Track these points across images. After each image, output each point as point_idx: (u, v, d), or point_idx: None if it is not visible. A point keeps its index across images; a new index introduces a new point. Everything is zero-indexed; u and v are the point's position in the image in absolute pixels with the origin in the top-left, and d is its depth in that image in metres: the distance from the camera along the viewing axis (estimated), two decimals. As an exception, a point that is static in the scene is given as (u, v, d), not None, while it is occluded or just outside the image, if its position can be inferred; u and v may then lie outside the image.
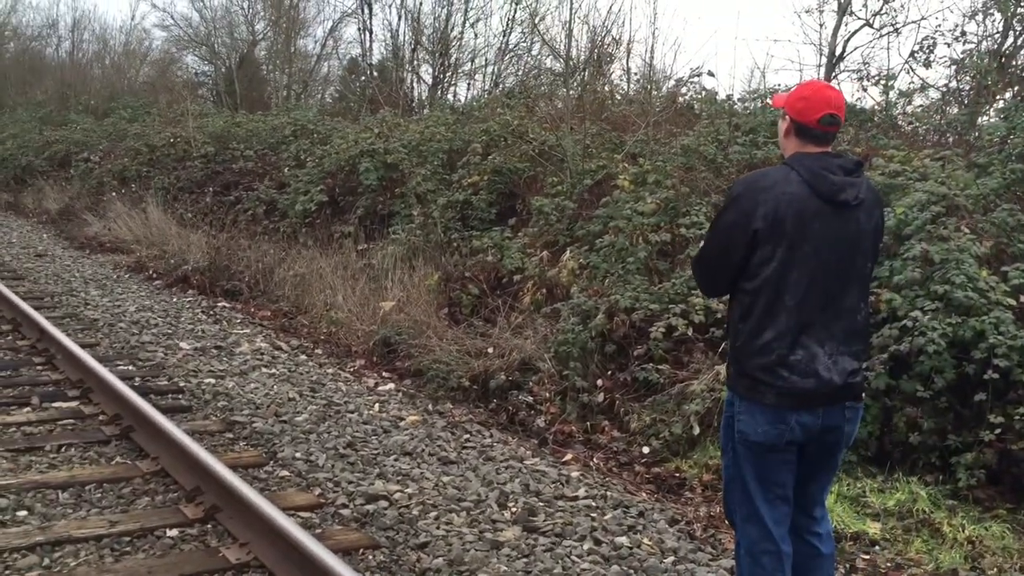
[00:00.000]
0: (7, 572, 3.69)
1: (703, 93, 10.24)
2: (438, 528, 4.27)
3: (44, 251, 12.45)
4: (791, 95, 3.08)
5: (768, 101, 9.32)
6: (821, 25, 11.51)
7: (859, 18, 11.43)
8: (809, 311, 2.95)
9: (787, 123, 3.05)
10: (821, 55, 11.42)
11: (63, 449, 5.07)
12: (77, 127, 20.80)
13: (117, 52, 32.69)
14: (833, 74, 11.10)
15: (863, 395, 3.13)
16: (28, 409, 5.70)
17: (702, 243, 3.07)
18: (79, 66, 31.43)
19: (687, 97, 10.51)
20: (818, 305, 2.96)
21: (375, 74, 20.39)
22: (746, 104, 9.84)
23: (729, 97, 9.98)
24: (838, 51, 11.28)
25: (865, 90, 10.88)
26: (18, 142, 21.52)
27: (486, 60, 18.79)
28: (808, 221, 2.91)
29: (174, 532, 4.10)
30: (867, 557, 4.25)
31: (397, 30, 19.57)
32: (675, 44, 24.69)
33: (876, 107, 9.61)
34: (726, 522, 4.39)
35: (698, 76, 10.02)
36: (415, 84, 19.28)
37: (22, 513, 4.22)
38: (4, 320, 7.94)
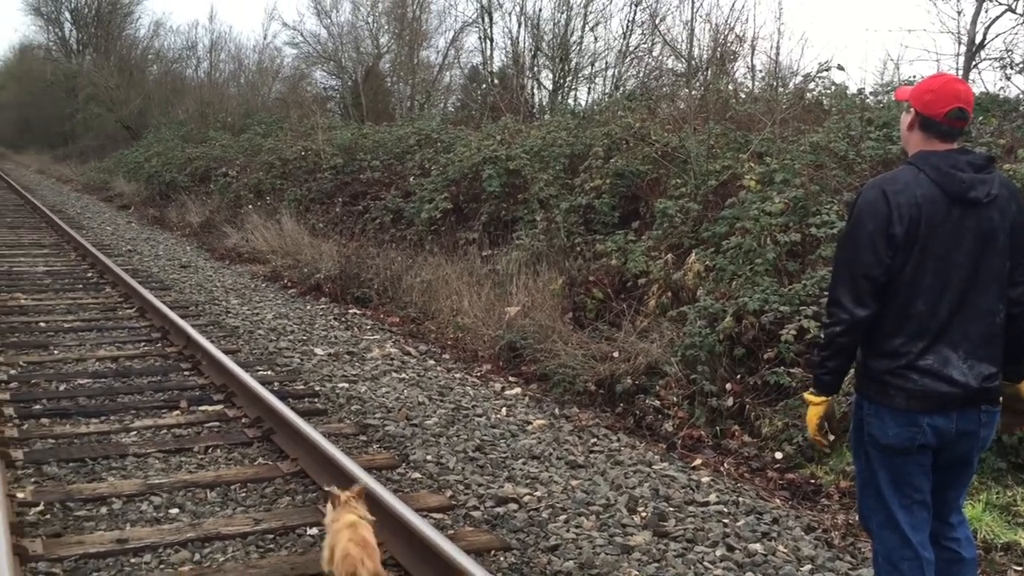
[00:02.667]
0: (161, 567, 3.91)
1: (832, 88, 9.93)
2: (568, 531, 4.29)
3: (188, 262, 13.11)
4: (918, 87, 2.97)
5: (903, 93, 8.95)
6: (959, 12, 11.00)
7: (1001, 3, 10.86)
8: (942, 315, 2.85)
9: (912, 116, 2.95)
10: (960, 44, 10.90)
11: (210, 450, 5.34)
12: (216, 143, 21.86)
13: (251, 71, 34.23)
14: (973, 63, 10.57)
15: (1000, 399, 2.98)
16: (177, 412, 6.03)
17: (842, 262, 2.92)
18: (216, 85, 33.06)
19: (815, 93, 10.21)
20: (952, 308, 2.85)
21: (496, 81, 20.63)
22: (879, 98, 9.49)
23: (860, 91, 9.67)
24: (978, 39, 10.74)
25: (1008, 79, 10.33)
26: (162, 159, 22.78)
27: (606, 63, 18.78)
28: (939, 222, 2.81)
29: (314, 531, 4.25)
30: (1020, 568, 4.04)
31: (517, 37, 19.80)
32: (802, 39, 24.01)
33: (1021, 96, 9.10)
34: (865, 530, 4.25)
35: (827, 71, 9.71)
36: (536, 90, 19.44)
37: (174, 511, 4.47)
38: (154, 328, 8.41)
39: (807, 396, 3.09)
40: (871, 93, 9.72)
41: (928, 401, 2.85)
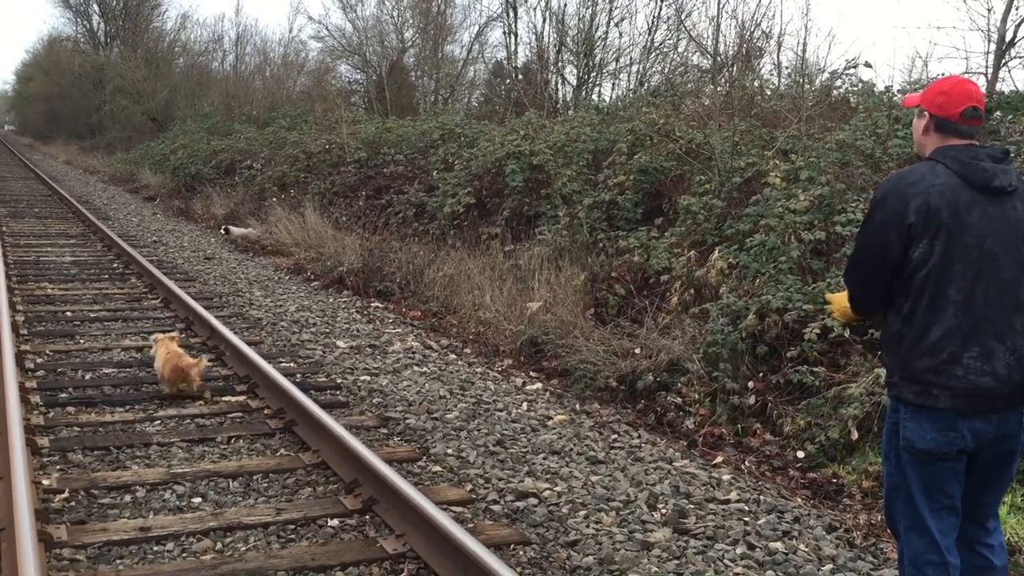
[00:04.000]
0: (184, 555, 3.94)
1: (860, 85, 9.84)
2: (588, 527, 4.28)
3: (212, 254, 13.20)
4: (928, 91, 3.01)
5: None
6: (989, 9, 10.79)
7: (1032, 0, 10.67)
8: (980, 304, 2.82)
9: (926, 120, 2.98)
10: (989, 41, 10.74)
11: (232, 440, 5.38)
12: (241, 136, 21.98)
13: (276, 64, 34.39)
14: (1003, 61, 10.44)
15: None
16: (200, 402, 6.07)
17: (852, 254, 3.04)
18: (242, 78, 33.24)
19: (842, 90, 10.13)
20: (992, 298, 2.82)
21: (520, 77, 20.61)
22: (907, 95, 9.39)
23: (888, 89, 9.58)
24: (1008, 36, 10.59)
25: (1039, 77, 10.16)
26: (188, 152, 22.95)
27: (631, 59, 18.71)
28: (963, 210, 2.81)
29: (335, 522, 4.28)
30: (1045, 574, 3.99)
31: (542, 32, 19.75)
32: (829, 35, 23.83)
33: (1052, 94, 8.96)
34: (888, 531, 4.22)
35: (854, 68, 9.64)
36: (560, 85, 19.40)
37: (197, 500, 4.50)
38: (178, 319, 8.48)
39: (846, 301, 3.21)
40: (899, 91, 9.63)
41: (972, 400, 2.81)
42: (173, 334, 6.63)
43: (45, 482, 4.54)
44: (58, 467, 4.84)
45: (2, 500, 4.16)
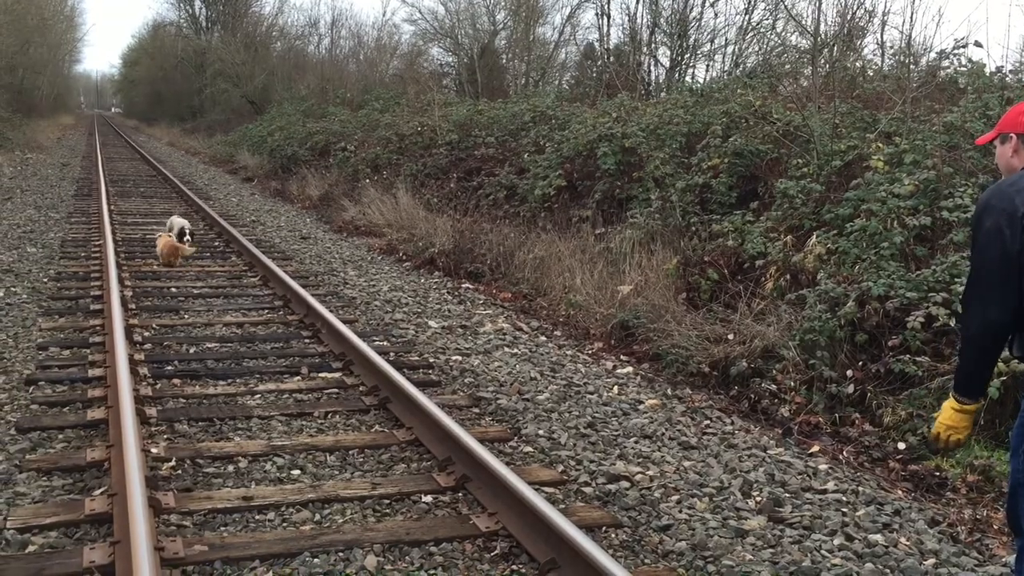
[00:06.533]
0: (284, 525, 4.06)
1: (969, 66, 9.45)
2: (680, 512, 4.25)
3: (308, 234, 13.50)
4: (1005, 119, 3.09)
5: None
6: (1111, -15, 10.24)
7: None
8: None
9: (1013, 141, 3.04)
10: (1111, 18, 10.18)
11: (329, 416, 5.51)
12: (335, 119, 22.37)
13: (370, 47, 34.89)
14: None
15: None
16: (298, 378, 6.23)
17: (970, 274, 3.00)
18: (337, 61, 33.84)
19: (950, 71, 9.74)
20: None
21: (612, 58, 20.42)
22: (1019, 76, 8.99)
23: (999, 69, 9.17)
24: None
25: None
26: (285, 134, 23.47)
27: (726, 40, 18.36)
28: None
29: (428, 498, 4.34)
30: None
31: (635, 13, 19.55)
32: (937, 14, 22.88)
33: None
34: (994, 527, 4.08)
35: (963, 47, 9.26)
36: (652, 67, 19.17)
37: (296, 472, 4.63)
38: (276, 297, 8.70)
39: (953, 405, 3.07)
40: (1011, 71, 9.22)
41: None
42: (172, 235, 10.70)
43: (154, 451, 4.73)
44: (165, 436, 5.03)
45: (115, 467, 4.36)
